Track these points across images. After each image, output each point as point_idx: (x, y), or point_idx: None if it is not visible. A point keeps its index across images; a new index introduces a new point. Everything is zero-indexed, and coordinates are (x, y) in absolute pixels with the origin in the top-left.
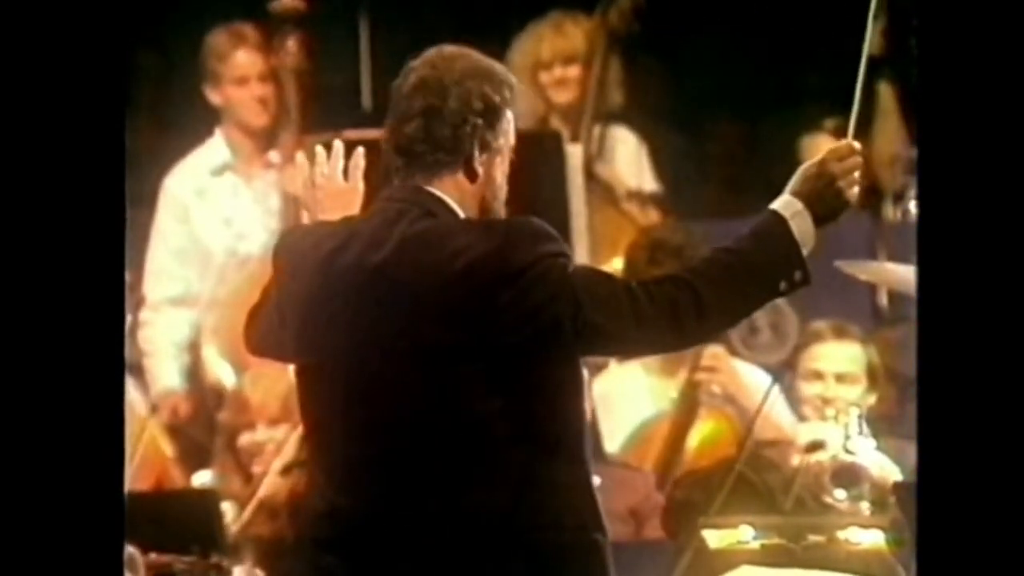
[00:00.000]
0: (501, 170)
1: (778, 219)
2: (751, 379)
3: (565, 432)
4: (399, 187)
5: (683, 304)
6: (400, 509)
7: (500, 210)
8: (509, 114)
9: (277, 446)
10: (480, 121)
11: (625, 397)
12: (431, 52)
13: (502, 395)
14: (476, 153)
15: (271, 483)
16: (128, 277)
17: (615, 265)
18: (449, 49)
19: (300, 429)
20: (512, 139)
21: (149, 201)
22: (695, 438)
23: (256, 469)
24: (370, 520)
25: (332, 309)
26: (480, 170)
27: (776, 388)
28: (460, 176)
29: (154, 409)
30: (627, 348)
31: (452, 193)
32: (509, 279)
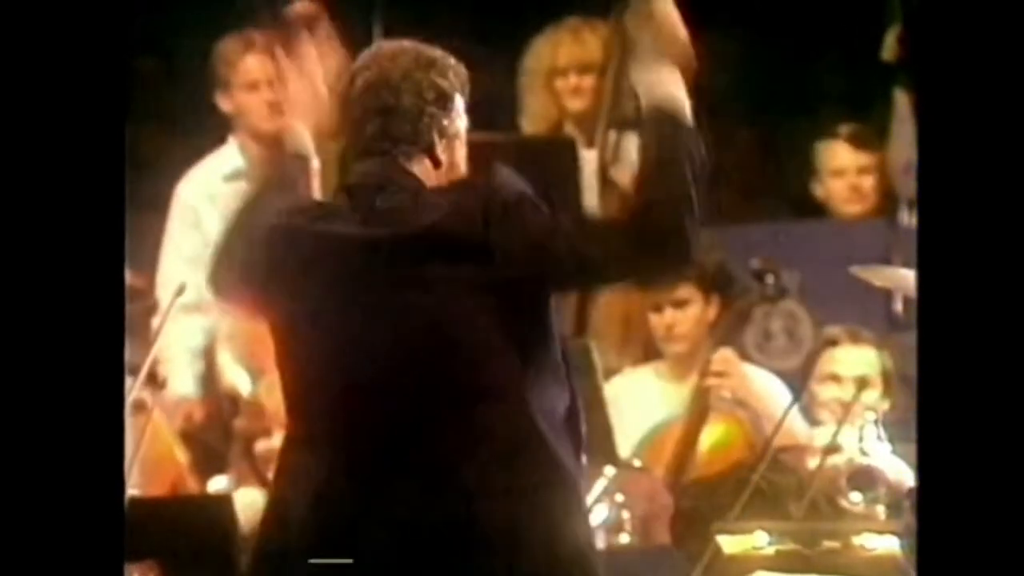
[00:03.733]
0: (460, 153)
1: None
2: (762, 383)
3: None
4: (374, 163)
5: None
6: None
7: None
8: (459, 97)
9: None
10: (435, 110)
11: (637, 402)
12: (369, 54)
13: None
14: (436, 140)
15: None
16: (140, 283)
17: None
18: (387, 47)
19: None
20: (465, 119)
21: (162, 207)
22: (706, 442)
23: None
24: (366, 488)
25: (322, 275)
26: (443, 157)
27: (790, 394)
28: (426, 163)
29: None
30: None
31: (421, 173)
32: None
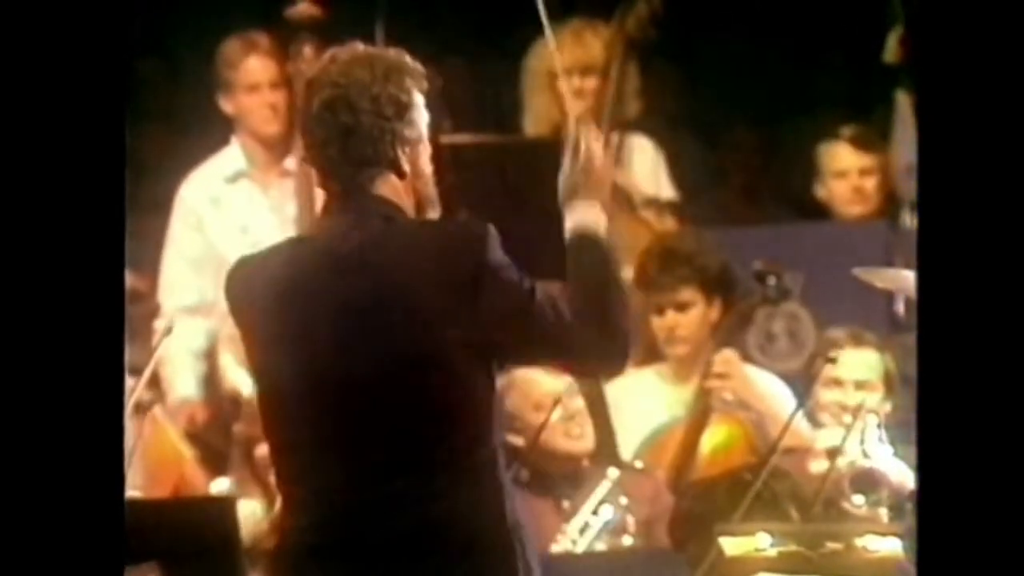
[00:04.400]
0: (424, 157)
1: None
2: (764, 385)
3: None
4: (345, 195)
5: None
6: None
7: (432, 195)
8: (418, 100)
9: None
10: (396, 124)
11: (639, 404)
12: (323, 67)
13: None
14: (400, 154)
15: None
16: (141, 285)
17: (628, 272)
18: (341, 56)
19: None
20: (426, 115)
21: (164, 209)
22: (708, 444)
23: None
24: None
25: (301, 326)
26: (406, 167)
27: (792, 396)
28: (391, 176)
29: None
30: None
31: (389, 192)
32: (459, 286)
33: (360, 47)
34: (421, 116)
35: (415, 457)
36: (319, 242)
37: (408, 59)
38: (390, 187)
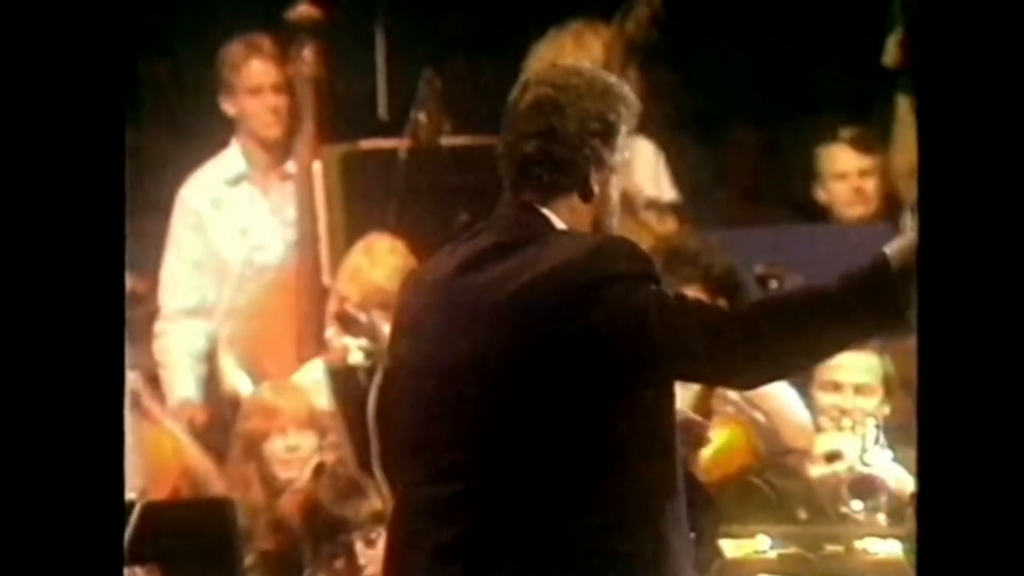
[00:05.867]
0: (616, 187)
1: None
2: (767, 386)
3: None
4: (509, 205)
5: (763, 334)
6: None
7: (613, 225)
8: (624, 130)
9: (310, 452)
10: (597, 141)
11: None
12: (544, 68)
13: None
14: (592, 172)
15: (290, 494)
16: (142, 287)
17: None
18: (564, 65)
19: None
20: (627, 154)
21: (165, 210)
22: (709, 447)
23: (283, 476)
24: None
25: (435, 325)
26: (596, 189)
27: (796, 394)
28: (574, 196)
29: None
30: (698, 376)
31: (563, 212)
32: (588, 290)
33: (586, 64)
34: (622, 147)
35: (549, 469)
36: (467, 252)
37: (628, 90)
38: (567, 205)
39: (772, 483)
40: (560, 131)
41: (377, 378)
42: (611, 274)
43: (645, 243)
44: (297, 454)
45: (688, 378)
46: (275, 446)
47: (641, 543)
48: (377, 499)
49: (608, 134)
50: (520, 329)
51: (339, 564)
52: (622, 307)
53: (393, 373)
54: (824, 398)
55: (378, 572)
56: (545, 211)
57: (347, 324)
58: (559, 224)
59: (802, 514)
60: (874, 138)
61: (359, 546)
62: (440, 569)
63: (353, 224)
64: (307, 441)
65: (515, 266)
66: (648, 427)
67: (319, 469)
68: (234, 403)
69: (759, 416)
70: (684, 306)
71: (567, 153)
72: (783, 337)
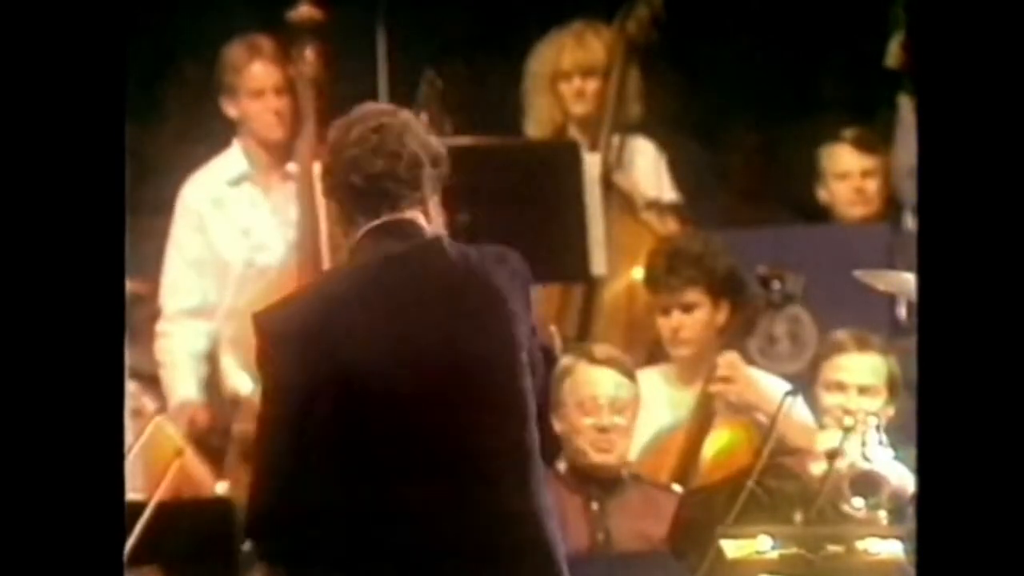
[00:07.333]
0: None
1: None
2: (768, 387)
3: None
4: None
5: None
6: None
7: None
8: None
9: None
10: (432, 170)
11: (643, 407)
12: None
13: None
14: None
15: None
16: (143, 288)
17: (634, 275)
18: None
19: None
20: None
21: (166, 211)
22: (711, 449)
23: None
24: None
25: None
26: (432, 212)
27: (796, 395)
28: (420, 215)
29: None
30: None
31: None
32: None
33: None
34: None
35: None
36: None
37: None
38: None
39: (769, 487)
40: (404, 152)
41: None
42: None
43: (646, 244)
44: None
45: None
46: None
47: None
48: None
49: (436, 162)
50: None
51: None
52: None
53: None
54: (828, 398)
55: None
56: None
57: None
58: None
59: (803, 515)
60: (876, 138)
61: None
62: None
63: None
64: None
65: (425, 272)
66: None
67: None
68: (235, 403)
69: (760, 417)
70: None
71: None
72: None
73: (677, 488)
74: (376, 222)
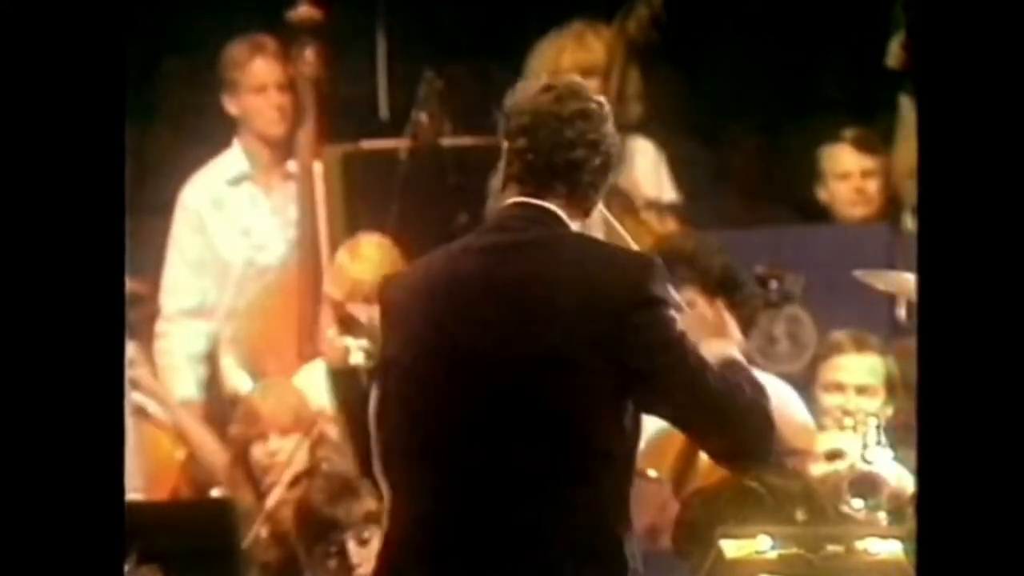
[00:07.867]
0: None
1: None
2: (769, 387)
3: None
4: (519, 206)
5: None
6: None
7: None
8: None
9: (288, 456)
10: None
11: None
12: (571, 79)
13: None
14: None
15: (279, 497)
16: (144, 288)
17: None
18: (582, 82)
19: (312, 437)
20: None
21: (166, 211)
22: None
23: (266, 480)
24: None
25: (436, 325)
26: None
27: (797, 395)
28: (580, 206)
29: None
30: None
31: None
32: (637, 307)
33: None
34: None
35: (534, 468)
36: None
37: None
38: (569, 216)
39: (769, 485)
40: (602, 145)
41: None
42: (644, 298)
43: (645, 243)
44: (277, 459)
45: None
46: (256, 451)
47: (614, 543)
48: (370, 499)
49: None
50: (538, 333)
51: (332, 564)
52: (649, 337)
53: (387, 373)
54: (827, 399)
55: (371, 571)
56: (561, 213)
57: (348, 325)
58: (573, 225)
59: (802, 514)
60: (876, 139)
61: (352, 545)
62: (434, 570)
63: (354, 224)
64: (289, 445)
65: (532, 269)
66: (627, 438)
67: (295, 482)
68: (235, 404)
69: None
70: (693, 367)
71: (604, 165)
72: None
73: (652, 473)
74: (522, 200)
